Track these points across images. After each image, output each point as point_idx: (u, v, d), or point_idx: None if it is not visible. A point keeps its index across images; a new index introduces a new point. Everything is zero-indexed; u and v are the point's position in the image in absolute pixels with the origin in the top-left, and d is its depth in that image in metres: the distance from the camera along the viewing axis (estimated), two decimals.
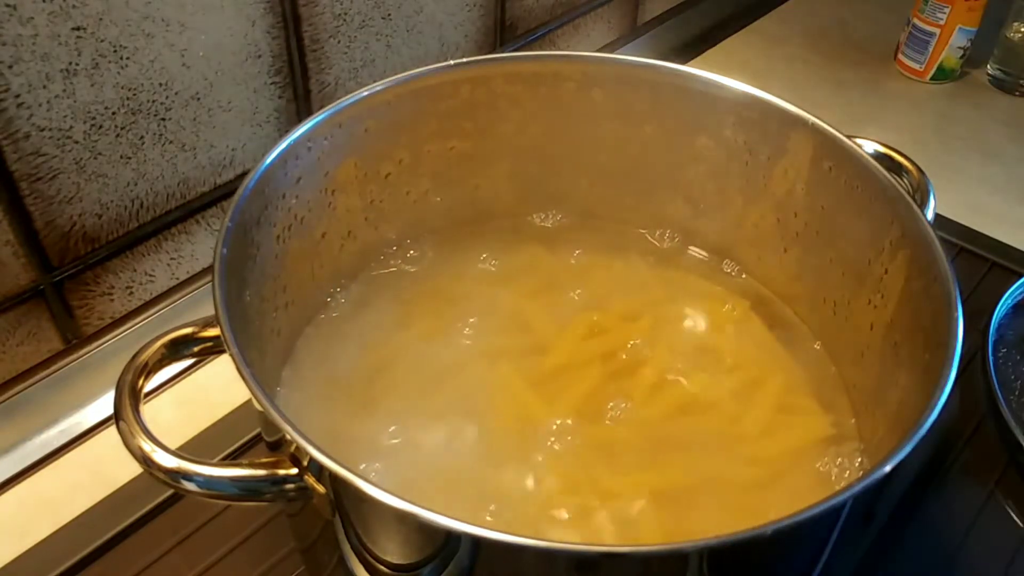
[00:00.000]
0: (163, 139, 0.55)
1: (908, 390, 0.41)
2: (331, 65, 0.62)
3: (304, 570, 0.49)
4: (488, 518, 0.43)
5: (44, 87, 0.48)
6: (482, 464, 0.45)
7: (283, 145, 0.45)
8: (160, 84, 0.53)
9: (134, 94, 0.52)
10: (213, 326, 0.38)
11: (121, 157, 0.53)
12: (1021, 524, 0.53)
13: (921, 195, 0.46)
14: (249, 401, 0.46)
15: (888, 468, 0.33)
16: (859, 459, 0.46)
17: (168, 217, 0.58)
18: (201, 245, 0.60)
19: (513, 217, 0.59)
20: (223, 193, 0.60)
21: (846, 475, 0.46)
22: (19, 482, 0.54)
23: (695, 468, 0.46)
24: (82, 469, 0.54)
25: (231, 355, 0.35)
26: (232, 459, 0.54)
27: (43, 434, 0.56)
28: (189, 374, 0.60)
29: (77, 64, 0.49)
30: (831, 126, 0.48)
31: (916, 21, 0.89)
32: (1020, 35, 0.88)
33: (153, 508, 0.51)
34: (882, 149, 0.48)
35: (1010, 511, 0.54)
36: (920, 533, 0.52)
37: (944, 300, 0.39)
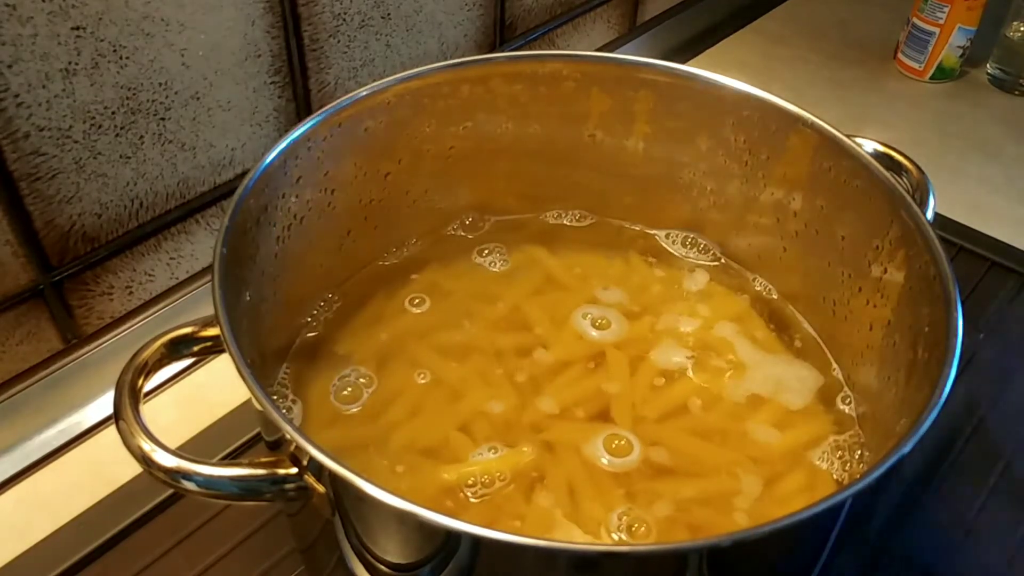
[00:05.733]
0: (163, 139, 0.55)
1: (908, 389, 0.41)
2: (331, 65, 0.62)
3: (304, 570, 0.49)
4: (486, 516, 0.43)
5: (44, 87, 0.48)
6: (481, 464, 0.45)
7: (283, 145, 0.45)
8: (160, 84, 0.53)
9: (134, 94, 0.52)
10: (213, 326, 0.38)
11: (121, 157, 0.53)
12: (1021, 524, 0.53)
13: (921, 194, 0.46)
14: (249, 401, 0.46)
15: (888, 467, 0.33)
16: (859, 458, 0.46)
17: (168, 217, 0.58)
18: (201, 245, 0.60)
19: (513, 216, 0.59)
20: (223, 193, 0.60)
21: (846, 474, 0.46)
22: (19, 482, 0.54)
23: (695, 467, 0.46)
24: (82, 469, 0.54)
25: (230, 354, 0.35)
26: (232, 459, 0.54)
27: (43, 434, 0.56)
28: (189, 374, 0.60)
29: (76, 64, 0.49)
30: (831, 126, 0.48)
31: (916, 20, 0.89)
32: (1019, 34, 0.88)
33: (153, 508, 0.51)
34: (881, 148, 0.48)
35: (1009, 510, 0.54)
36: (920, 533, 0.52)
37: (944, 300, 0.39)
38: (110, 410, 0.36)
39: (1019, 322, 0.64)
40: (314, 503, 0.35)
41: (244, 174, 0.43)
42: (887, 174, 0.45)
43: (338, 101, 0.47)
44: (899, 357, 0.44)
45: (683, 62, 0.52)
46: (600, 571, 0.32)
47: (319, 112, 0.47)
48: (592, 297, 0.54)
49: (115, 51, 0.50)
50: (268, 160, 0.44)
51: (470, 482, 0.44)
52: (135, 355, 0.37)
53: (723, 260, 0.57)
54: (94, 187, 0.53)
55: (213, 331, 0.38)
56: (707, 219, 0.56)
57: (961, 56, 0.89)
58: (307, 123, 0.46)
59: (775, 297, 0.55)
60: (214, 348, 0.39)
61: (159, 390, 0.59)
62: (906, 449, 0.33)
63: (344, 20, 0.61)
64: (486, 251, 0.57)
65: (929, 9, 0.87)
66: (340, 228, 0.52)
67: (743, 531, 0.30)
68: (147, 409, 0.36)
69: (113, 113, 0.52)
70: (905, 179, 0.47)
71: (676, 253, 0.58)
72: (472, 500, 0.44)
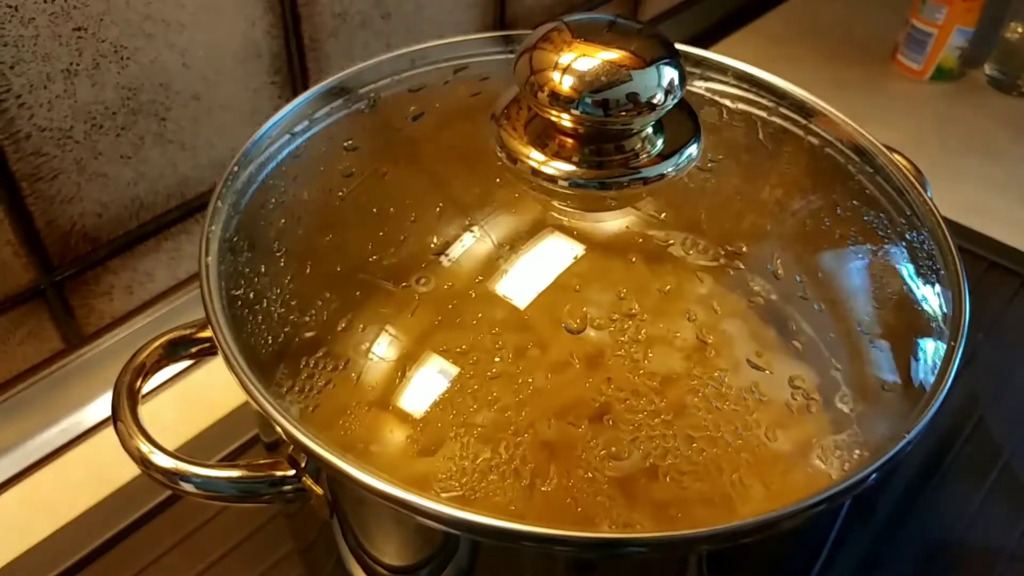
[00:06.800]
0: (163, 139, 0.55)
1: (908, 387, 0.41)
2: (330, 64, 0.62)
3: (303, 571, 0.49)
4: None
5: (45, 87, 0.48)
6: (482, 465, 0.45)
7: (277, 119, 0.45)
8: (160, 84, 0.53)
9: (134, 94, 0.52)
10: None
11: (121, 157, 0.53)
12: (1021, 524, 0.53)
13: None
14: (248, 401, 0.46)
15: (888, 465, 0.33)
16: (859, 457, 0.46)
17: (168, 217, 0.58)
18: None
19: None
20: None
21: (846, 473, 0.46)
22: (19, 482, 0.54)
23: (695, 468, 0.46)
24: (82, 469, 0.55)
25: (225, 356, 0.35)
26: (230, 460, 0.54)
27: (43, 434, 0.56)
28: (188, 374, 0.60)
29: (78, 64, 0.49)
30: (829, 125, 0.48)
31: (914, 21, 0.89)
32: (1018, 35, 0.88)
33: (153, 508, 0.51)
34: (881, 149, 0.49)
35: (1009, 510, 0.54)
36: (920, 530, 0.52)
37: (948, 298, 0.40)
38: (110, 410, 0.36)
39: (1019, 322, 0.64)
40: (312, 505, 0.35)
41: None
42: (893, 171, 0.46)
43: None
44: (900, 355, 0.44)
45: None
46: (600, 568, 0.32)
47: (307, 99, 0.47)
48: (592, 298, 0.54)
49: (116, 52, 0.50)
50: (261, 133, 0.44)
51: (463, 481, 0.44)
52: (133, 356, 0.37)
53: (722, 258, 0.57)
54: (95, 187, 0.53)
55: (211, 332, 0.38)
56: (708, 219, 0.56)
57: (959, 57, 0.89)
58: (300, 122, 0.46)
59: (775, 297, 0.55)
60: (212, 349, 0.39)
61: (159, 390, 0.59)
62: (906, 447, 0.33)
63: (344, 20, 0.61)
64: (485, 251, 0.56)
65: (927, 10, 0.87)
66: (338, 227, 0.52)
67: (745, 521, 0.30)
68: (146, 410, 0.36)
69: (114, 113, 0.52)
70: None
71: (676, 254, 0.58)
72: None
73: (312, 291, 0.52)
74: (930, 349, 0.40)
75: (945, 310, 0.40)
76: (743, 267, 0.56)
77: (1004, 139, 0.84)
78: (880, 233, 0.47)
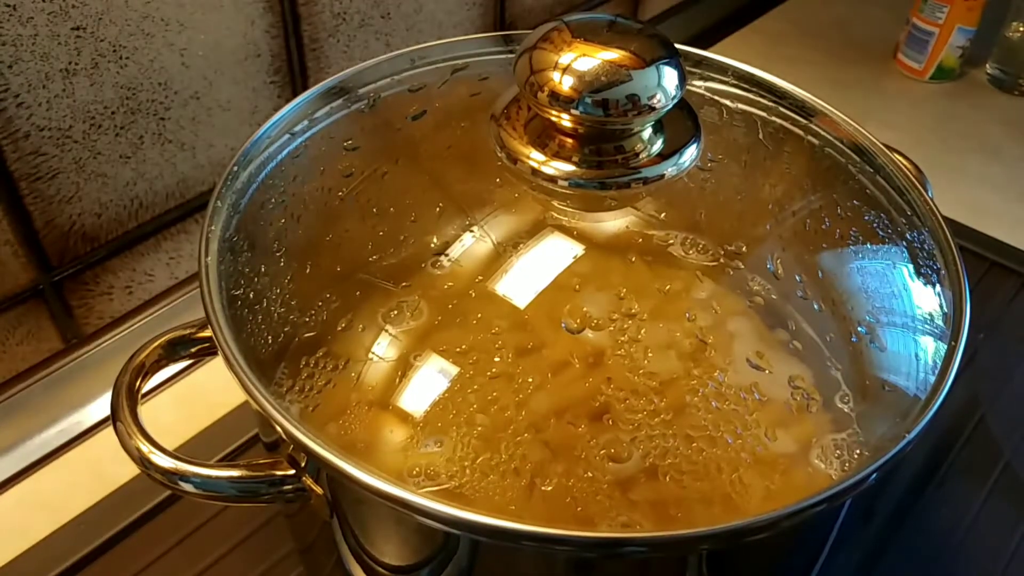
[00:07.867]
0: (162, 138, 0.55)
1: (908, 388, 0.41)
2: (330, 64, 0.62)
3: (303, 571, 0.49)
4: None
5: (44, 87, 0.48)
6: (482, 465, 0.45)
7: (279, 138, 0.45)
8: (159, 83, 0.53)
9: (133, 93, 0.52)
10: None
11: (120, 156, 0.53)
12: (1021, 524, 0.53)
13: None
14: (247, 402, 0.46)
15: (888, 465, 0.33)
16: (859, 457, 0.46)
17: (167, 216, 0.58)
18: None
19: None
20: None
21: (845, 474, 0.46)
22: (19, 482, 0.54)
23: (695, 468, 0.46)
24: (82, 469, 0.55)
25: (225, 356, 0.35)
26: (230, 460, 0.54)
27: (43, 434, 0.56)
28: (188, 374, 0.60)
29: (76, 64, 0.49)
30: (829, 125, 0.48)
31: (915, 20, 0.89)
32: (1019, 35, 0.88)
33: (153, 508, 0.51)
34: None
35: (1009, 510, 0.54)
36: (919, 532, 0.52)
37: (948, 298, 0.39)
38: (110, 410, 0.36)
39: (1019, 322, 0.64)
40: (312, 505, 0.35)
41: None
42: (894, 170, 0.45)
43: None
44: (900, 355, 0.44)
45: None
46: (600, 568, 0.32)
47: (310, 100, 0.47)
48: (591, 297, 0.54)
49: (115, 51, 0.50)
50: (262, 132, 0.44)
51: (463, 480, 0.44)
52: (132, 356, 0.37)
53: (721, 259, 0.57)
54: (94, 187, 0.53)
55: (210, 332, 0.38)
56: (706, 218, 0.56)
57: (961, 56, 0.89)
58: (301, 122, 0.46)
59: (775, 297, 0.55)
60: (212, 349, 0.39)
61: (158, 390, 0.59)
62: (906, 448, 0.33)
63: (344, 19, 0.61)
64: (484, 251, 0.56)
65: (928, 9, 0.87)
66: (338, 226, 0.52)
67: (745, 520, 0.30)
68: (146, 409, 0.36)
69: (113, 113, 0.52)
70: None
71: (676, 253, 0.58)
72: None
73: (312, 291, 0.52)
74: (930, 349, 0.40)
75: (946, 310, 0.40)
76: (743, 267, 0.56)
77: (1005, 138, 0.84)
78: (880, 233, 0.47)
